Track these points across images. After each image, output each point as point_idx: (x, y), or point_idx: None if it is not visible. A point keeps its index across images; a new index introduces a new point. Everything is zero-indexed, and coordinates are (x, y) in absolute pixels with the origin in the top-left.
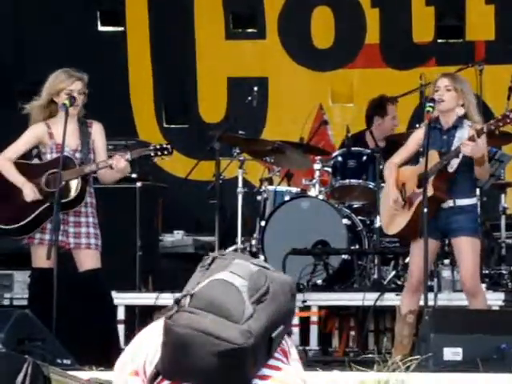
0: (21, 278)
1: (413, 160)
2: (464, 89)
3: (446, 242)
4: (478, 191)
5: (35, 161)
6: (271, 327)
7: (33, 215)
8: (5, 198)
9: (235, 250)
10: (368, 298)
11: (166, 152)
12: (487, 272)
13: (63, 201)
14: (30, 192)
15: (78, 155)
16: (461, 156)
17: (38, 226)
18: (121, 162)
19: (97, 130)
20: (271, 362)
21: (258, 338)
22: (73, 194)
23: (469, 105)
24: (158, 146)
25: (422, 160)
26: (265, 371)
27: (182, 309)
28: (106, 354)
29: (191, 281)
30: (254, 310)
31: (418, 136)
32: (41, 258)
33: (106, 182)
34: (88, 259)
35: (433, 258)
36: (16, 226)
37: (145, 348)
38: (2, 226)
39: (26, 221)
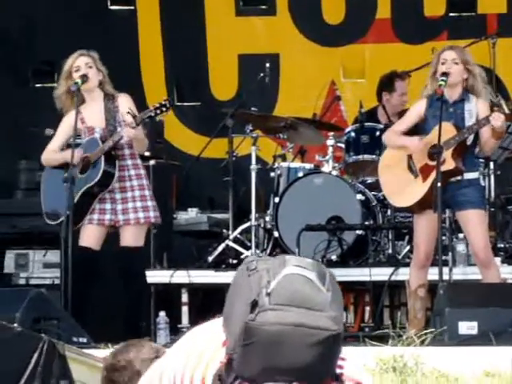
0: (36, 257)
1: (411, 133)
2: (470, 62)
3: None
4: (491, 165)
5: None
6: (342, 313)
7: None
8: (53, 195)
9: (249, 227)
10: (383, 273)
11: (164, 108)
12: (502, 245)
13: (92, 184)
14: (77, 157)
15: (98, 133)
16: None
17: (87, 209)
18: (129, 131)
19: (122, 102)
20: None
21: (342, 324)
22: (99, 175)
23: (475, 77)
24: (157, 105)
25: (433, 131)
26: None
27: (262, 308)
28: (132, 331)
29: (246, 286)
30: (331, 297)
31: (419, 108)
32: (88, 237)
33: (139, 151)
34: (131, 236)
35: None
36: (60, 220)
37: (169, 380)
38: (52, 223)
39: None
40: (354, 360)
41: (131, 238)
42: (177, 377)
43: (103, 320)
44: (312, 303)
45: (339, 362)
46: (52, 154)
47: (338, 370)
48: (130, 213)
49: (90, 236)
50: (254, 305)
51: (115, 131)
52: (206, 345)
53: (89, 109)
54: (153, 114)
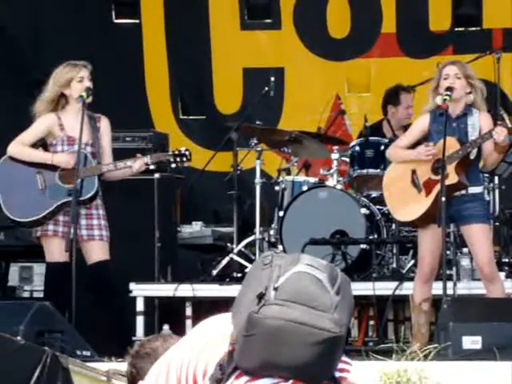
0: (40, 270)
1: (414, 148)
2: (472, 76)
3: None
4: (496, 179)
5: (40, 151)
6: (349, 319)
7: (49, 210)
8: (16, 190)
9: (254, 241)
10: (387, 288)
11: (184, 158)
12: (506, 260)
13: (84, 198)
14: (67, 159)
15: (88, 149)
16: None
17: (49, 219)
18: (142, 167)
19: (105, 126)
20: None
21: (346, 328)
22: (93, 191)
23: (477, 92)
24: (176, 152)
25: (437, 146)
26: (340, 364)
27: (267, 302)
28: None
29: (258, 279)
30: (338, 301)
31: (423, 122)
32: (55, 250)
33: (110, 178)
34: (100, 251)
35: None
36: (30, 219)
37: (176, 368)
38: (16, 219)
39: (42, 215)
40: (360, 369)
41: (102, 253)
42: (183, 364)
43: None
44: (317, 303)
45: (343, 366)
46: (27, 148)
47: (339, 374)
48: (95, 229)
49: (59, 249)
50: (261, 298)
51: (100, 151)
52: (213, 335)
53: (69, 118)
54: (171, 160)
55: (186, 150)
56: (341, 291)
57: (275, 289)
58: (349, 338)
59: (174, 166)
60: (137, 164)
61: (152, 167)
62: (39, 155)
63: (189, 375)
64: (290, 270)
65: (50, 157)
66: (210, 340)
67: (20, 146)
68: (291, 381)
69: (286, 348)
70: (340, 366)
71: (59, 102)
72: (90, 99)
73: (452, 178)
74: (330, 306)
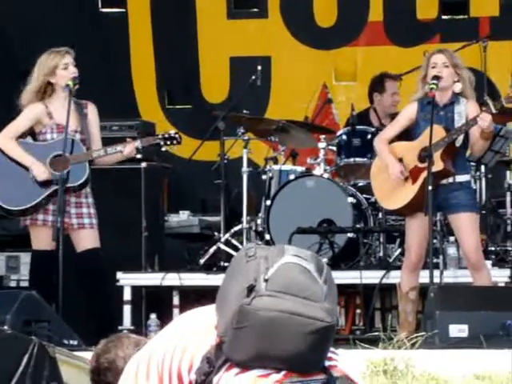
0: (27, 259)
1: (402, 136)
2: (459, 65)
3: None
4: (483, 168)
5: (28, 139)
6: (336, 306)
7: (41, 197)
8: (7, 178)
9: (241, 230)
10: (374, 276)
11: (175, 141)
12: (493, 249)
13: (74, 184)
14: (41, 172)
15: (78, 136)
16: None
17: (41, 207)
18: (133, 151)
19: (92, 112)
20: None
21: (336, 317)
22: (84, 177)
23: (464, 81)
24: (167, 135)
25: (424, 134)
26: (328, 354)
27: (259, 294)
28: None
29: (244, 271)
30: (326, 290)
31: (410, 111)
32: (43, 239)
33: (102, 164)
34: (91, 238)
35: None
36: (22, 208)
37: (157, 361)
38: (5, 207)
39: (34, 203)
40: (346, 358)
41: (92, 240)
42: (166, 358)
43: (77, 323)
44: (308, 293)
45: (330, 355)
46: (12, 144)
47: (328, 363)
48: (85, 218)
49: (47, 238)
50: (251, 289)
51: (89, 138)
52: (196, 328)
53: (56, 106)
54: (162, 143)
55: (176, 133)
56: (327, 280)
57: (266, 280)
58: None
59: (164, 149)
60: (127, 148)
61: (139, 156)
62: (21, 155)
63: (173, 369)
64: (278, 261)
65: (30, 163)
66: (193, 333)
67: (4, 139)
68: (283, 371)
69: (278, 339)
70: (329, 355)
71: (46, 90)
72: (76, 87)
73: (438, 166)
74: (321, 296)
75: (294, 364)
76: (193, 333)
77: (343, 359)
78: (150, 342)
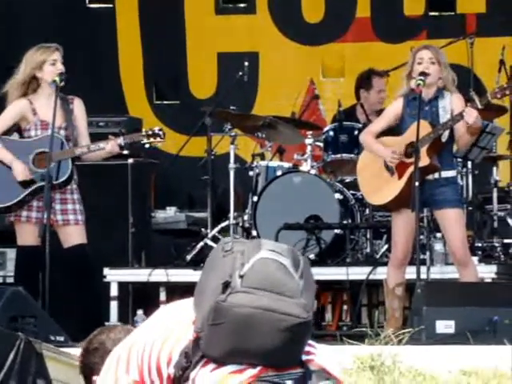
0: (13, 255)
1: (387, 132)
2: (444, 61)
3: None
4: (469, 164)
5: (14, 136)
6: (313, 301)
7: (24, 194)
8: None
9: (228, 226)
10: (361, 272)
11: (158, 138)
12: (479, 245)
13: (58, 181)
14: (21, 171)
15: (62, 132)
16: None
17: (25, 204)
18: (115, 148)
19: (78, 107)
20: None
21: (312, 312)
22: (67, 174)
23: (447, 77)
24: (150, 132)
25: (410, 130)
26: (306, 347)
27: (234, 290)
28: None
29: (220, 266)
30: (303, 285)
31: (396, 107)
32: (28, 235)
33: (87, 160)
34: (76, 235)
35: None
36: (5, 205)
37: (137, 354)
38: None
39: (17, 200)
40: (325, 350)
41: (78, 237)
42: (145, 350)
43: (63, 319)
44: (283, 289)
45: (308, 349)
46: None
47: (305, 357)
48: (70, 214)
49: (32, 235)
50: (226, 286)
51: (74, 134)
52: (176, 321)
53: (41, 102)
54: (145, 140)
55: (160, 129)
56: (304, 275)
57: (241, 276)
58: (322, 323)
59: (147, 146)
60: (110, 145)
61: (126, 152)
62: (1, 153)
63: (152, 362)
64: (254, 256)
65: (11, 159)
66: (175, 325)
67: None
68: (259, 367)
69: (254, 335)
70: (306, 348)
71: (30, 85)
72: (62, 84)
73: (424, 161)
74: (297, 291)
75: (270, 359)
76: (174, 325)
77: (322, 353)
78: (132, 333)
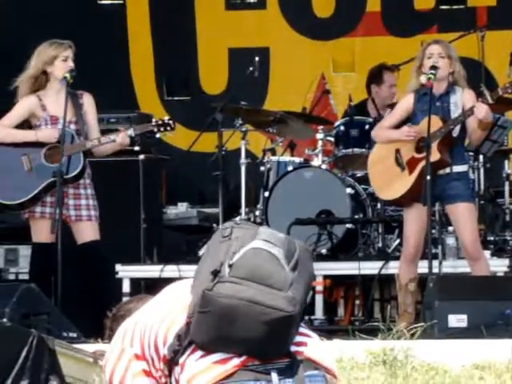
0: (26, 252)
1: (398, 127)
2: (454, 56)
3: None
4: (481, 158)
5: None
6: (306, 294)
7: (37, 190)
8: (4, 173)
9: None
10: (373, 267)
11: (168, 128)
12: (491, 238)
13: (70, 176)
14: (50, 132)
15: (72, 127)
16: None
17: (38, 200)
18: (126, 139)
19: (88, 102)
20: (301, 329)
21: (301, 305)
22: (78, 168)
23: (458, 72)
24: (160, 122)
25: (421, 125)
26: (298, 338)
27: (222, 279)
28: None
29: (216, 252)
30: (293, 277)
31: (407, 102)
32: (42, 231)
33: (99, 155)
34: (89, 231)
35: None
36: (18, 201)
37: (140, 330)
38: (2, 201)
39: (30, 196)
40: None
41: (91, 233)
42: (146, 330)
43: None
44: (271, 281)
45: (301, 339)
46: (8, 130)
47: (295, 348)
48: (83, 209)
49: (46, 230)
50: (215, 274)
51: (84, 128)
52: (179, 301)
53: (50, 97)
54: (155, 130)
55: (170, 119)
56: (298, 266)
57: (230, 266)
58: (335, 318)
59: (158, 135)
60: (120, 137)
61: (137, 148)
62: (22, 134)
63: (150, 340)
64: (246, 245)
65: (34, 134)
66: (174, 306)
67: (2, 130)
68: (244, 357)
69: (238, 326)
70: (298, 339)
71: (38, 80)
72: (71, 81)
73: (434, 156)
74: (285, 284)
75: (255, 350)
76: (174, 305)
77: (314, 343)
78: (139, 311)
